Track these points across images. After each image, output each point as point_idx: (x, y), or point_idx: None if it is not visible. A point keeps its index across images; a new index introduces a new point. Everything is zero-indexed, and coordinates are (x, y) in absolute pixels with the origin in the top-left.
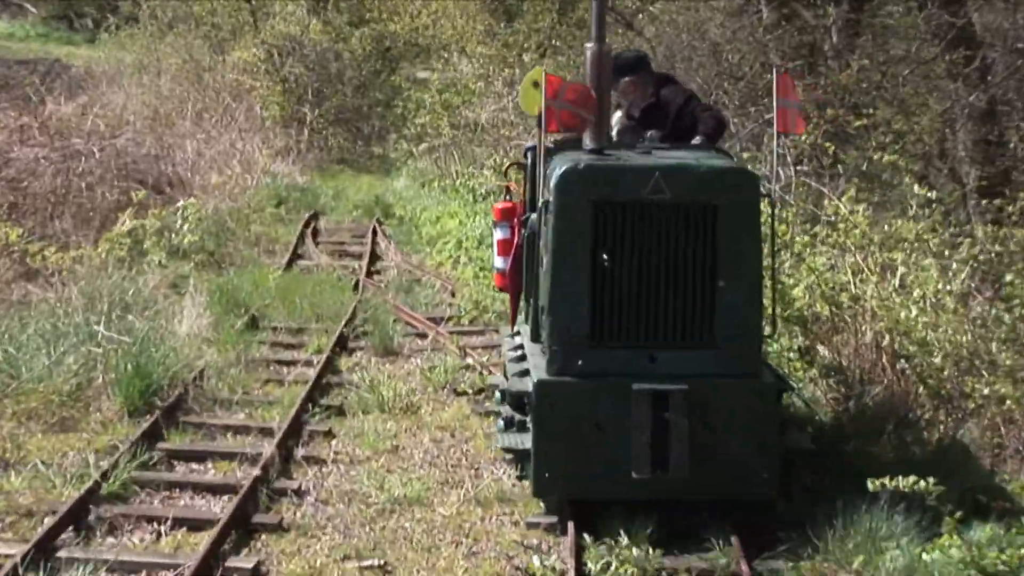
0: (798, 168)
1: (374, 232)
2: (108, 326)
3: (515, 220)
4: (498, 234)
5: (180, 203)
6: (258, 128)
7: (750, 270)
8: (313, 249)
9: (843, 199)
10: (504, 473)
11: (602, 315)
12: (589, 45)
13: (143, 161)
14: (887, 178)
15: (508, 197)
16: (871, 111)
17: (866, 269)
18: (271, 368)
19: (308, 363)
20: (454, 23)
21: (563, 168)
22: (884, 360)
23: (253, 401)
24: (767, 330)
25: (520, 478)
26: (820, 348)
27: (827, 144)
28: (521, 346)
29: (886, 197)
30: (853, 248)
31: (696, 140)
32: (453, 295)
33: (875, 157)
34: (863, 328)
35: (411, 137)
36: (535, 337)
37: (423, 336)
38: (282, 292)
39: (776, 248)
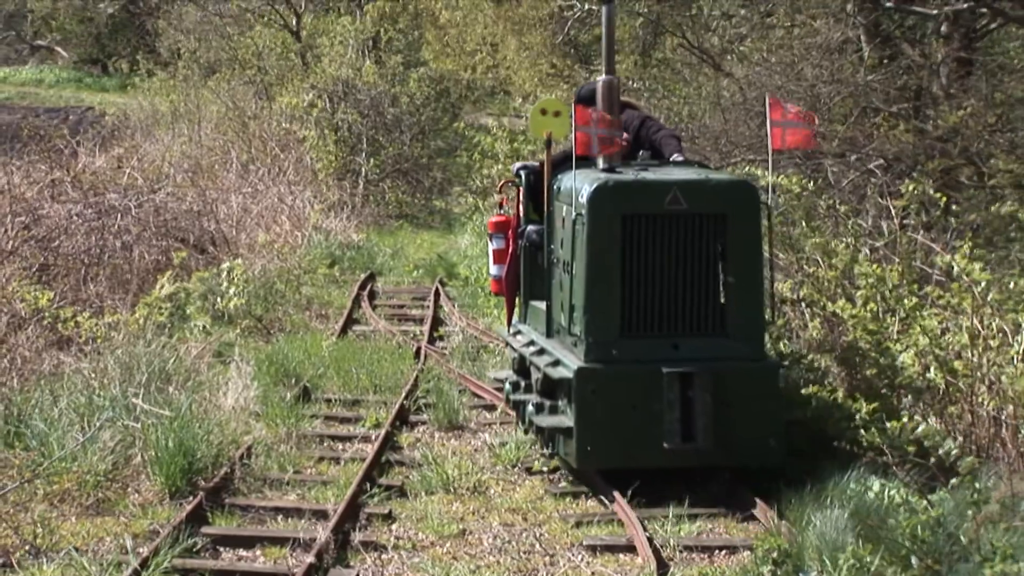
0: (904, 222)
1: (436, 294)
2: (147, 399)
3: (509, 232)
4: (493, 245)
5: (225, 264)
6: (309, 181)
7: (754, 267)
8: (370, 313)
9: (956, 256)
10: (583, 560)
11: (631, 311)
12: (601, 78)
13: (184, 217)
14: (1007, 232)
15: (502, 211)
16: (986, 158)
17: (984, 333)
18: (325, 444)
19: (365, 439)
20: (520, 65)
21: (594, 185)
22: (1005, 434)
23: (305, 481)
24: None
25: (552, 455)
26: (924, 420)
27: (937, 194)
28: (532, 342)
29: (1006, 253)
30: (969, 310)
31: (676, 158)
32: None
33: (992, 208)
34: (981, 399)
35: (477, 189)
36: (550, 333)
37: (491, 408)
38: (336, 361)
39: (772, 249)
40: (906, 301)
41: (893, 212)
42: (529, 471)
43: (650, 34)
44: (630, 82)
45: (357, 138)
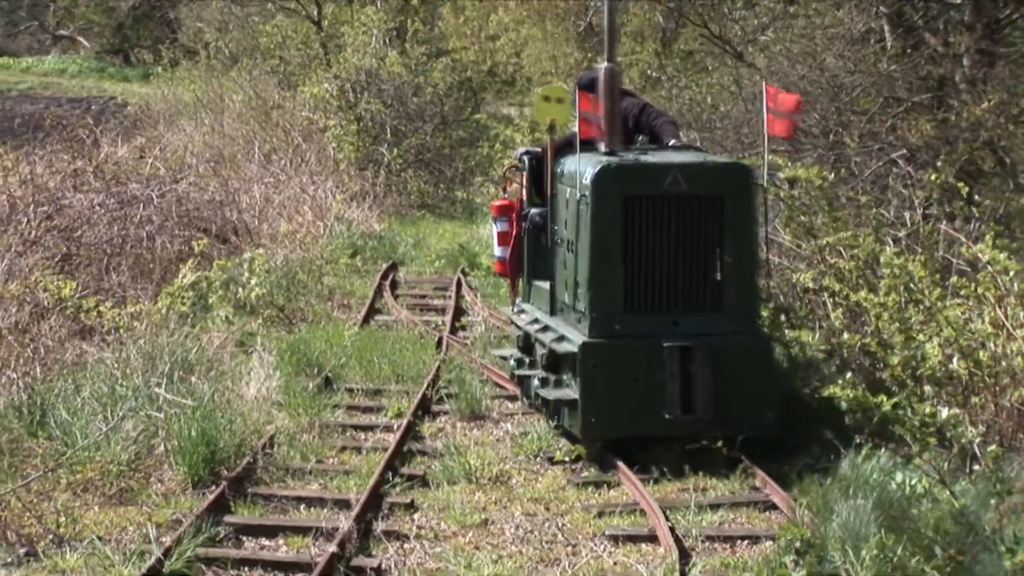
0: (927, 212)
1: (458, 284)
2: (169, 389)
3: (513, 215)
4: (497, 227)
5: (246, 253)
6: (331, 171)
7: (749, 247)
8: (392, 303)
9: (981, 245)
10: (605, 550)
11: (633, 288)
12: (602, 65)
13: (206, 207)
14: None
15: (505, 195)
16: (1009, 149)
17: (1007, 323)
18: (347, 434)
19: (388, 428)
20: (539, 55)
21: (597, 168)
22: None
23: (328, 471)
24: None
25: (557, 427)
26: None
27: (959, 184)
28: (536, 320)
29: None
30: (993, 300)
31: (673, 143)
32: None
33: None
34: (1005, 389)
35: (498, 180)
36: (553, 311)
37: (514, 399)
38: (358, 351)
39: (767, 229)
40: (929, 292)
41: (916, 202)
42: (551, 461)
43: (672, 23)
44: (651, 72)
45: (380, 128)
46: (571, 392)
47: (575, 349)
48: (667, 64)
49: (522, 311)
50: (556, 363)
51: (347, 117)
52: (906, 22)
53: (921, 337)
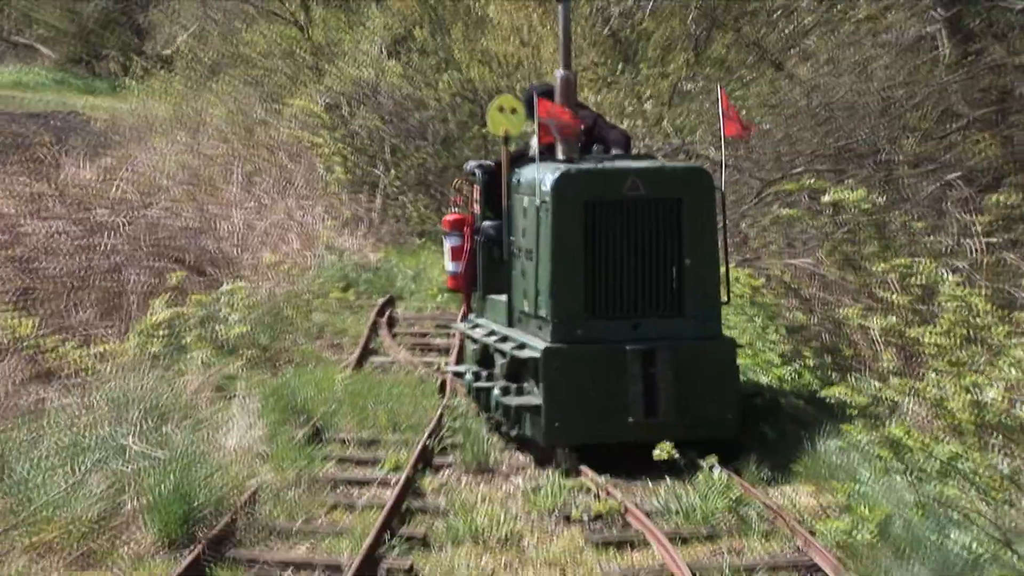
0: (989, 240)
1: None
2: (140, 439)
3: (465, 229)
4: (449, 242)
5: (226, 286)
6: (321, 194)
7: (709, 250)
8: (389, 342)
9: None
10: None
11: (595, 293)
12: (559, 72)
13: (181, 236)
14: None
15: (455, 209)
16: None
17: None
18: (339, 490)
19: (384, 483)
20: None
21: (557, 174)
22: None
23: (317, 531)
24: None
25: (518, 435)
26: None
27: None
28: (493, 332)
29: None
30: None
31: (615, 151)
32: None
33: None
34: None
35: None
36: (511, 323)
37: (525, 448)
38: (351, 396)
39: (726, 232)
40: (995, 329)
41: (976, 228)
42: (568, 519)
43: (705, 30)
44: (684, 84)
45: (378, 146)
46: (533, 399)
47: (537, 355)
48: (699, 75)
49: (476, 325)
50: (517, 371)
51: (340, 134)
52: (965, 28)
53: (983, 380)
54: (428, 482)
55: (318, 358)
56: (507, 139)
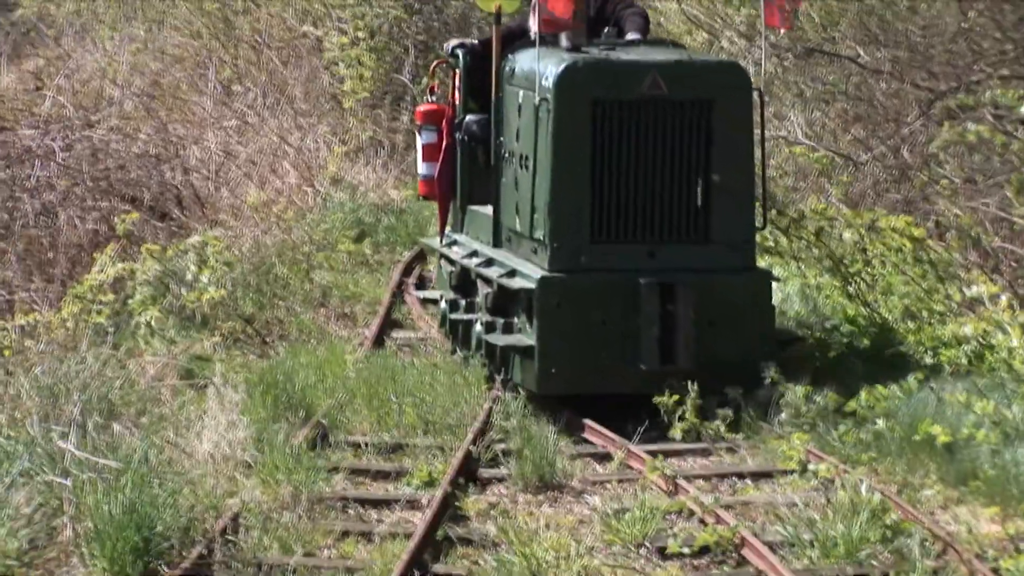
0: None
1: None
2: (82, 442)
3: (443, 123)
4: (423, 139)
5: (195, 236)
6: (326, 110)
7: (743, 164)
8: (418, 312)
9: None
10: None
11: (603, 212)
12: None
13: (135, 165)
14: None
15: (432, 98)
16: None
17: None
18: (351, 512)
19: (413, 504)
20: None
21: (562, 66)
22: None
23: (322, 567)
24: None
25: (505, 381)
26: None
27: None
28: (475, 252)
29: None
30: None
31: (630, 36)
32: None
33: None
34: None
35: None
36: (498, 242)
37: (605, 458)
38: (368, 385)
39: (764, 143)
40: None
41: None
42: (663, 552)
43: None
44: None
45: (404, 47)
46: (525, 338)
47: (531, 285)
48: None
49: (454, 243)
50: (505, 304)
51: (353, 28)
52: None
53: None
54: (472, 502)
55: (322, 333)
56: (499, 17)
